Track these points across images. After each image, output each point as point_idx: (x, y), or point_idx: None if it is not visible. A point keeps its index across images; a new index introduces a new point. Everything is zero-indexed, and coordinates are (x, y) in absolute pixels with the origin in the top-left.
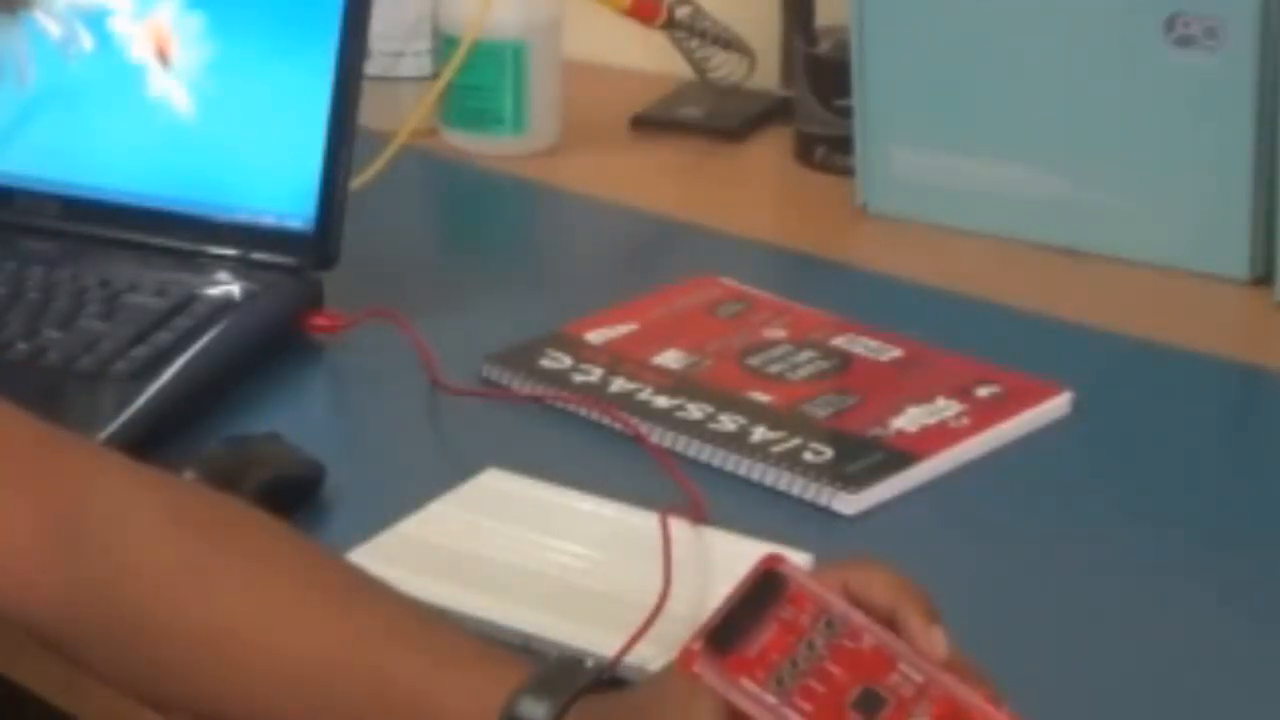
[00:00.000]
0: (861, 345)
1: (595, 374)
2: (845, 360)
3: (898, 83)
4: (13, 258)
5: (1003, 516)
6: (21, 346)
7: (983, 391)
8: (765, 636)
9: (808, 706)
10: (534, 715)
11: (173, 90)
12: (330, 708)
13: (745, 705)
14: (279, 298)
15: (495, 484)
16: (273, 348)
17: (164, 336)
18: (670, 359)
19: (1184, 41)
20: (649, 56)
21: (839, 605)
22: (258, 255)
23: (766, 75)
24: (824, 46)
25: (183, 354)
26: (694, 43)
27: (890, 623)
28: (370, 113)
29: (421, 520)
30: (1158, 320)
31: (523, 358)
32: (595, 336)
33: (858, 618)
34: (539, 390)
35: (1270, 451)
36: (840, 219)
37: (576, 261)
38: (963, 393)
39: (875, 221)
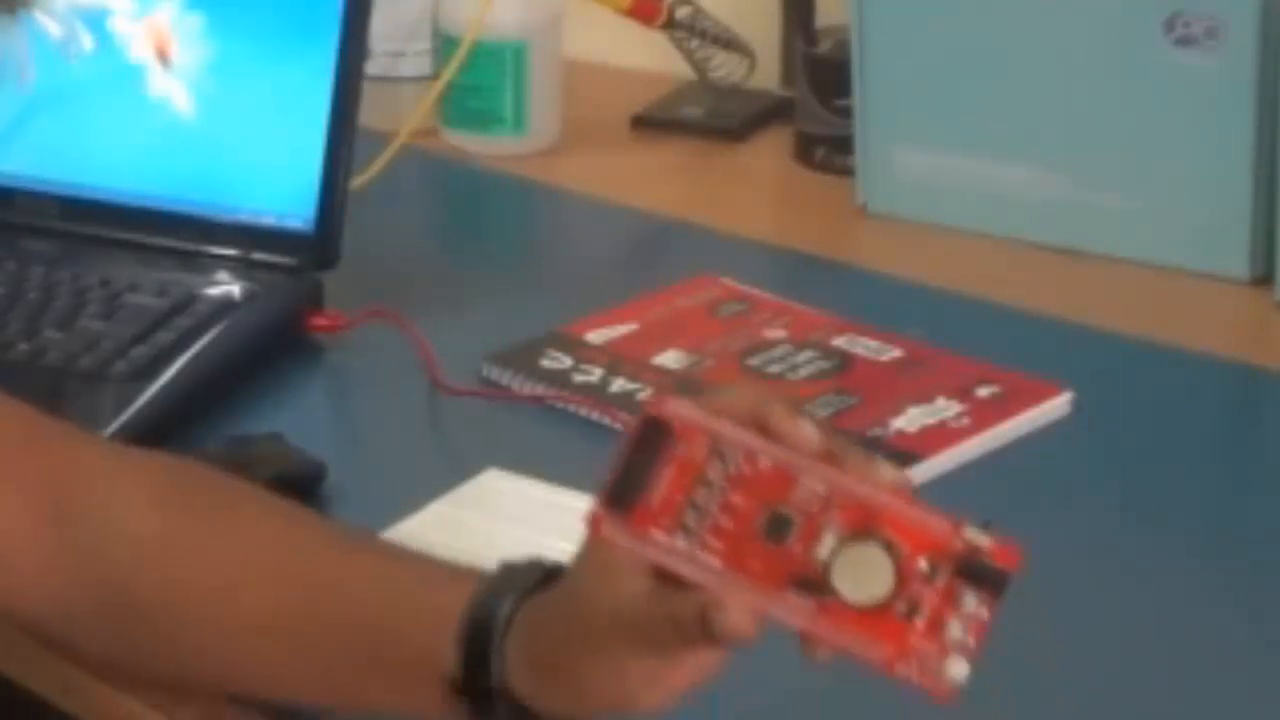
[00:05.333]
0: (861, 345)
1: (595, 374)
2: (845, 360)
3: (898, 83)
4: (13, 258)
5: (1003, 516)
6: (22, 346)
7: (983, 391)
8: (663, 483)
9: (719, 544)
10: (495, 614)
11: (173, 90)
12: (305, 650)
13: (659, 557)
14: (279, 298)
15: (495, 484)
16: (273, 348)
17: (164, 336)
18: (670, 359)
19: (1184, 41)
20: (649, 56)
21: (729, 431)
22: (258, 255)
23: (766, 75)
24: (824, 46)
25: (183, 354)
26: (694, 43)
27: (761, 431)
28: (370, 113)
29: (421, 520)
30: (1158, 320)
31: (523, 358)
32: (595, 336)
33: (750, 440)
34: (539, 390)
35: (1270, 451)
36: (840, 219)
37: (576, 261)
38: (963, 393)
39: (875, 221)
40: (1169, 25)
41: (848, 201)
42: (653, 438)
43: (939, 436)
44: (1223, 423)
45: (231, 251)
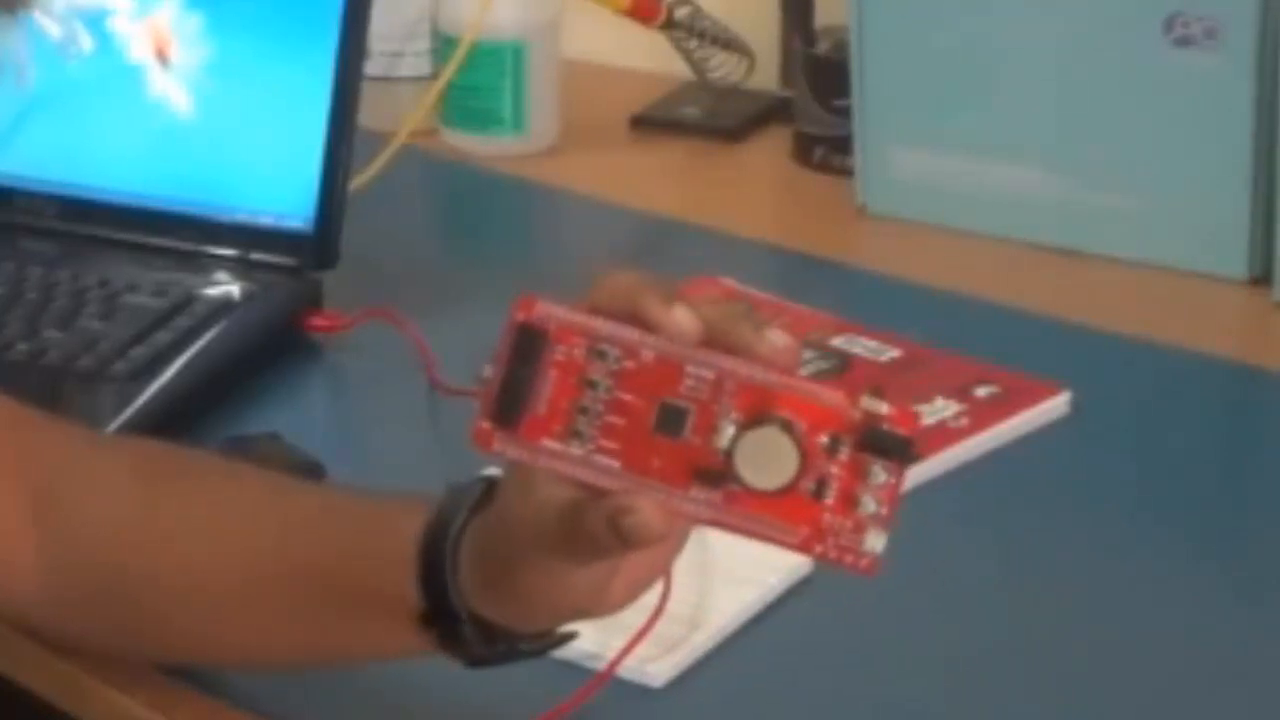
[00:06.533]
0: (861, 345)
1: None
2: (845, 361)
3: (897, 83)
4: (12, 258)
5: (1002, 517)
6: (21, 346)
7: (982, 391)
8: (547, 389)
9: (615, 445)
10: (444, 542)
11: (172, 90)
12: (285, 603)
13: (554, 465)
14: (278, 298)
15: None
16: (272, 348)
17: (163, 336)
18: None
19: (1184, 41)
20: (649, 56)
21: (605, 328)
22: (257, 255)
23: (766, 75)
24: (823, 47)
25: (182, 354)
26: (693, 43)
27: (638, 323)
28: (370, 113)
29: None
30: (1157, 320)
31: None
32: None
33: (629, 334)
34: None
35: (1270, 451)
36: (840, 219)
37: (576, 261)
38: (962, 393)
39: (875, 221)
40: (1168, 25)
41: (847, 202)
42: (529, 344)
43: (938, 436)
44: (1222, 423)
45: (231, 251)
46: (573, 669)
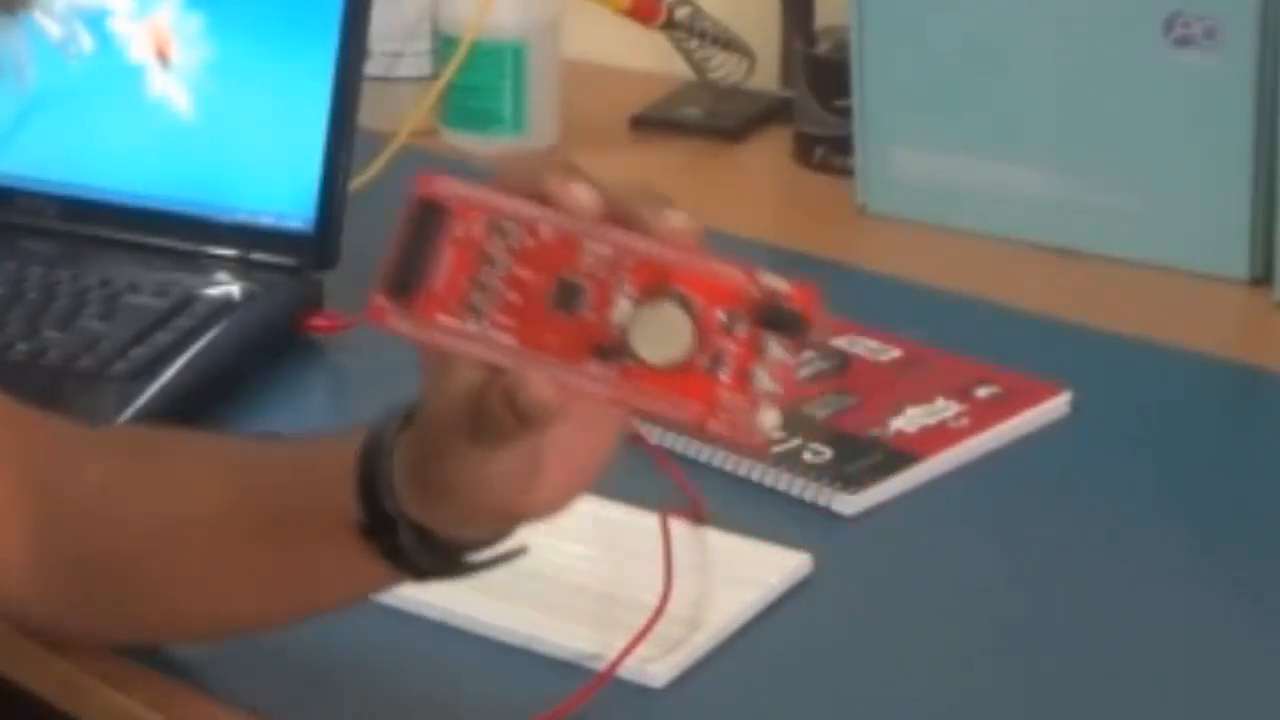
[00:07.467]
0: (861, 346)
1: None
2: (845, 361)
3: (897, 83)
4: (13, 258)
5: (1002, 517)
6: (21, 347)
7: (982, 392)
8: (444, 265)
9: (511, 322)
10: (380, 449)
11: (172, 90)
12: (246, 560)
13: (449, 343)
14: (279, 298)
15: None
16: (272, 348)
17: (164, 337)
18: None
19: (1184, 41)
20: (649, 56)
21: (507, 204)
22: (257, 255)
23: (766, 75)
24: (823, 47)
25: (182, 354)
26: (694, 43)
27: (541, 200)
28: (370, 113)
29: None
30: (1157, 320)
31: None
32: None
33: (528, 210)
34: None
35: (1270, 451)
36: (840, 219)
37: None
38: (962, 393)
39: (875, 221)
40: (1168, 25)
41: (847, 202)
42: (428, 220)
43: (938, 437)
44: (1222, 423)
45: (231, 252)
46: (573, 669)
